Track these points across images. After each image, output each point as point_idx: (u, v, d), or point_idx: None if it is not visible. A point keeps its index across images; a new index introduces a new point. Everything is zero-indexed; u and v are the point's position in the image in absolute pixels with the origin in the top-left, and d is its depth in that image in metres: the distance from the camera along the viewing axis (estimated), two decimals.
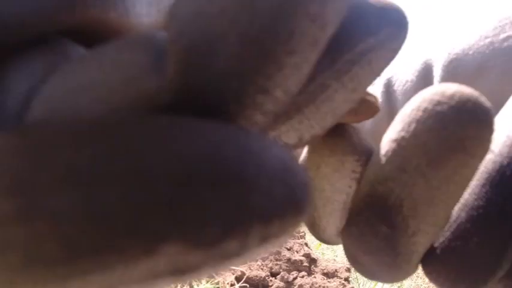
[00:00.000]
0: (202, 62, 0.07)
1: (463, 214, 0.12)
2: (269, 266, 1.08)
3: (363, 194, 0.13)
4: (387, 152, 0.12)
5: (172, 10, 0.07)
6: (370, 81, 0.10)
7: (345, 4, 0.07)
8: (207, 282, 0.85)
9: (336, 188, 0.14)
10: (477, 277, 0.12)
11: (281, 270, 1.07)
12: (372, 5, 0.10)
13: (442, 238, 0.13)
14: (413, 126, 0.12)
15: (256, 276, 0.98)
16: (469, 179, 0.12)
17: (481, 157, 0.11)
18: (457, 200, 0.12)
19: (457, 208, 0.12)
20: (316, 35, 0.07)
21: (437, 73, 0.17)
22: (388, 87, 0.19)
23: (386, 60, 0.10)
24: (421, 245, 0.12)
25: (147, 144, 0.06)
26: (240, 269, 0.96)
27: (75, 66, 0.08)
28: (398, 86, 0.19)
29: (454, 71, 0.17)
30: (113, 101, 0.08)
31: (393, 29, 0.10)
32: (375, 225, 0.13)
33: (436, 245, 0.13)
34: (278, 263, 1.09)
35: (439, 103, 0.11)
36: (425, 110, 0.11)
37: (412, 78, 0.18)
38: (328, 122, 0.10)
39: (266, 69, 0.07)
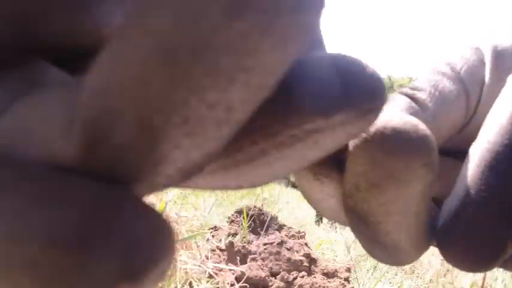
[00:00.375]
0: (102, 135, 0.07)
1: (468, 200, 0.14)
2: (269, 266, 1.08)
3: (344, 202, 0.14)
4: (346, 172, 0.13)
5: (89, 77, 0.07)
6: (316, 156, 0.10)
7: (265, 90, 0.07)
8: (207, 282, 0.85)
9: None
10: (488, 255, 0.13)
11: (281, 270, 1.07)
12: (339, 75, 0.09)
13: (451, 222, 0.14)
14: (354, 158, 0.13)
15: (256, 276, 0.98)
16: (418, 194, 0.13)
17: (421, 178, 0.12)
18: (415, 205, 0.13)
19: (461, 193, 0.14)
20: (219, 118, 0.07)
21: (487, 65, 0.18)
22: (454, 70, 0.18)
23: (340, 141, 0.09)
24: (401, 239, 0.14)
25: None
26: (239, 269, 0.96)
27: (23, 104, 0.09)
28: (467, 70, 0.18)
29: (498, 65, 0.18)
30: (32, 153, 0.08)
31: (355, 112, 0.08)
32: (357, 227, 0.14)
33: (446, 228, 0.14)
34: (278, 263, 1.09)
35: (367, 140, 0.12)
36: (358, 146, 0.12)
37: (472, 62, 0.18)
38: (267, 179, 0.10)
39: (161, 148, 0.07)
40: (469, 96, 0.17)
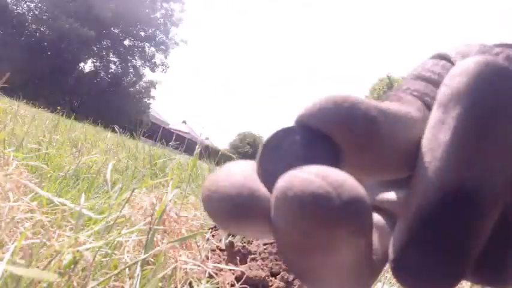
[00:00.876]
0: None
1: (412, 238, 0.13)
2: (269, 266, 1.08)
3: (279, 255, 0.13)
4: (273, 234, 0.12)
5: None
6: None
7: None
8: (207, 282, 0.85)
9: None
10: (454, 263, 0.12)
11: (281, 270, 1.07)
12: None
13: (404, 250, 0.13)
14: (276, 219, 0.11)
15: (256, 276, 0.98)
16: (352, 260, 0.11)
17: (350, 245, 0.11)
18: (352, 269, 0.12)
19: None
20: None
21: None
22: None
23: None
24: (344, 285, 0.13)
25: None
26: (239, 269, 0.96)
27: None
28: None
29: None
30: None
31: None
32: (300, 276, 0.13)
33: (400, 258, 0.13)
34: (278, 263, 1.09)
35: (285, 199, 0.10)
36: (278, 204, 0.11)
37: None
38: None
39: None
40: None
